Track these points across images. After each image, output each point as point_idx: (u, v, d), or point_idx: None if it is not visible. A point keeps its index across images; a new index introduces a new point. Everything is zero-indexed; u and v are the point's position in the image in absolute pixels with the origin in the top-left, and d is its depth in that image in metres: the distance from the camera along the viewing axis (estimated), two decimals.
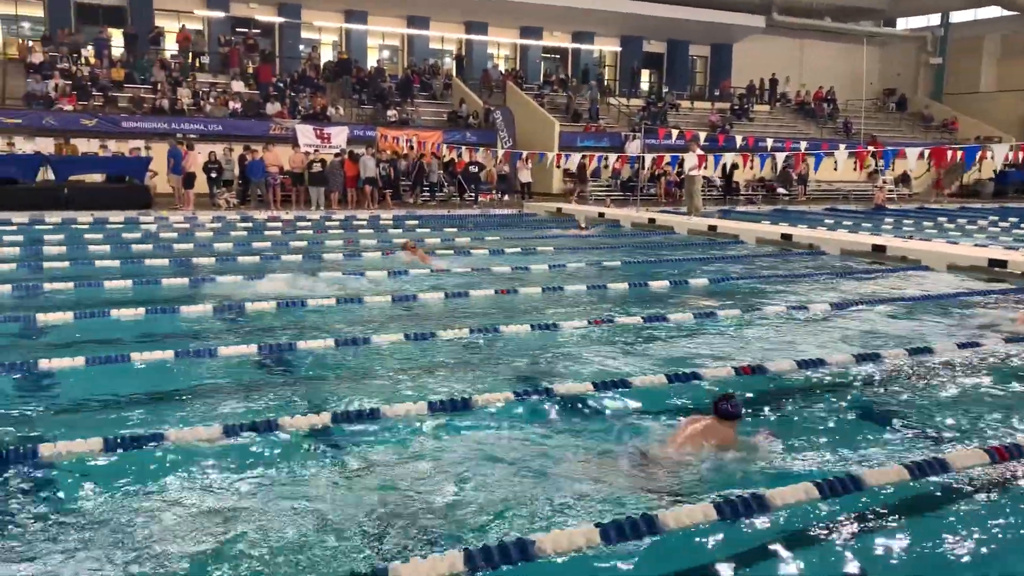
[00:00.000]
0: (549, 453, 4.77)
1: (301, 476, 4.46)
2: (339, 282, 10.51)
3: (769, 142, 20.96)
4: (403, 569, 3.34)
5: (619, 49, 35.78)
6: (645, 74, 37.37)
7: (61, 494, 4.16)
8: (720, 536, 3.79)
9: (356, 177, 21.95)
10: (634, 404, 5.66)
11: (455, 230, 17.10)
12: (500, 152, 24.39)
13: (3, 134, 20.98)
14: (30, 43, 26.62)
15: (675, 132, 20.23)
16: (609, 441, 4.99)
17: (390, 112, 27.30)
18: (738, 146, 20.07)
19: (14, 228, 15.31)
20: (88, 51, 26.73)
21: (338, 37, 33.05)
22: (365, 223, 18.20)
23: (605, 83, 34.56)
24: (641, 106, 31.97)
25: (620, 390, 5.85)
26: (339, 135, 24.40)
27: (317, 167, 21.05)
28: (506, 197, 24.87)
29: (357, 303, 9.02)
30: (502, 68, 33.88)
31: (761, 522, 3.89)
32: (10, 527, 3.76)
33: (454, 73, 32.45)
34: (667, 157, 19.15)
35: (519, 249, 13.98)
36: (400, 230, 17.16)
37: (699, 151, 18.02)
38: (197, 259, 12.05)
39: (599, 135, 28.76)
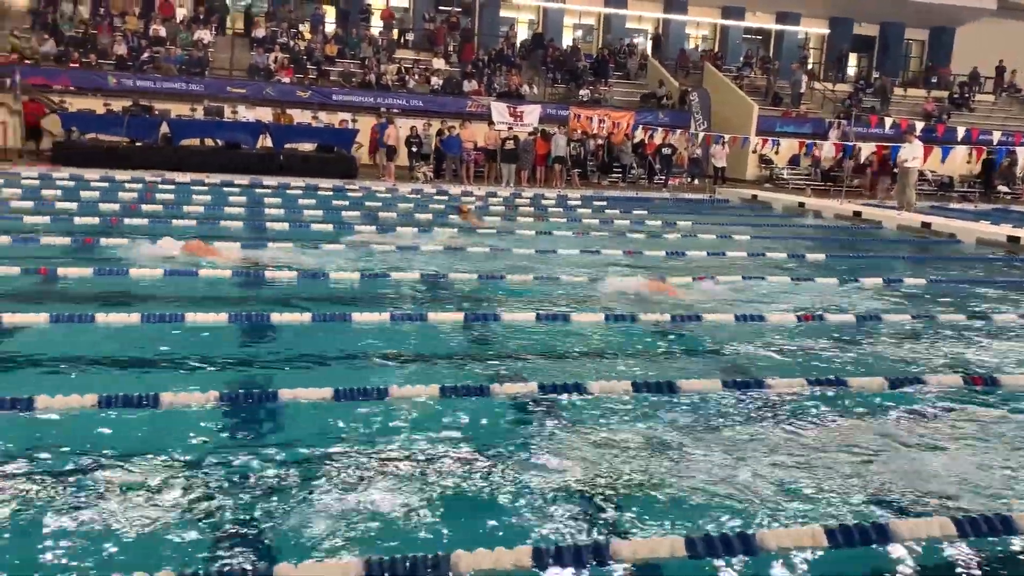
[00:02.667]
0: (766, 446, 4.60)
1: (509, 442, 4.55)
2: (531, 259, 10.64)
3: (995, 135, 19.20)
4: (623, 546, 3.33)
5: (827, 31, 33.86)
6: (853, 58, 35.18)
7: (296, 437, 4.48)
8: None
9: (546, 155, 22.15)
10: (852, 406, 5.36)
11: (644, 212, 16.89)
12: (700, 135, 23.76)
13: (229, 103, 22.80)
14: (255, 18, 28.79)
15: (888, 120, 18.93)
16: (839, 444, 4.74)
17: (583, 91, 27.30)
18: (959, 138, 18.51)
19: (237, 189, 16.64)
20: (305, 26, 28.53)
21: (535, 15, 33.40)
22: (553, 202, 18.33)
23: (810, 66, 32.85)
24: (848, 92, 30.15)
25: (836, 388, 5.55)
26: (531, 113, 24.71)
27: (510, 144, 21.43)
28: (695, 181, 24.29)
29: (553, 281, 9.10)
30: (700, 48, 33.00)
31: None
32: (256, 461, 4.09)
33: (650, 53, 31.95)
34: (887, 147, 17.94)
35: (714, 236, 13.61)
36: (588, 210, 17.17)
37: (918, 142, 16.76)
38: (400, 227, 12.58)
39: (800, 121, 27.41)
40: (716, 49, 33.03)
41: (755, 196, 20.42)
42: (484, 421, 4.83)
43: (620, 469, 4.22)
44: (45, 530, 3.36)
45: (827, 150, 20.14)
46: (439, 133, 21.96)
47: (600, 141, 23.81)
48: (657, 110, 27.08)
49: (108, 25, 25.25)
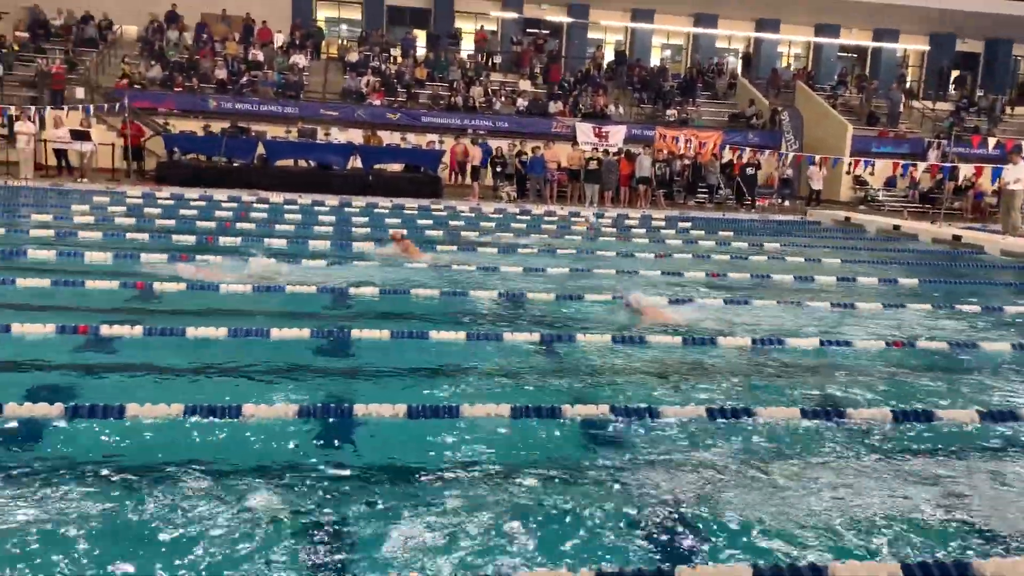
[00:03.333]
0: (844, 477, 4.44)
1: (576, 463, 4.52)
2: (611, 280, 10.57)
3: None
4: (689, 574, 3.26)
5: (927, 48, 32.72)
6: (956, 75, 33.89)
7: (368, 452, 4.56)
8: None
9: (630, 176, 22.03)
10: (939, 438, 5.12)
11: (730, 234, 16.57)
12: (790, 155, 23.25)
13: (322, 125, 23.55)
14: (347, 43, 29.73)
15: (992, 140, 18.10)
16: (923, 478, 4.54)
17: (669, 111, 27.11)
18: None
19: (327, 209, 17.11)
20: (396, 51, 29.25)
21: (623, 36, 33.39)
22: (637, 222, 18.17)
23: (908, 84, 31.78)
24: (950, 110, 29.01)
25: (923, 423, 5.32)
26: (617, 134, 24.59)
27: (594, 165, 21.41)
28: (786, 203, 23.73)
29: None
30: (792, 67, 32.35)
31: None
32: (328, 471, 4.18)
33: (740, 72, 31.50)
34: (987, 168, 17.14)
35: (802, 259, 13.25)
36: (672, 231, 16.95)
37: (1023, 163, 15.97)
38: (482, 248, 12.71)
39: (897, 141, 26.51)
40: (809, 67, 32.31)
41: (848, 218, 19.79)
42: (553, 442, 4.81)
43: (689, 495, 4.14)
44: (127, 534, 3.51)
45: (924, 171, 19.35)
46: (519, 154, 22.10)
47: (686, 161, 23.56)
48: (747, 130, 26.64)
49: (210, 51, 26.49)
